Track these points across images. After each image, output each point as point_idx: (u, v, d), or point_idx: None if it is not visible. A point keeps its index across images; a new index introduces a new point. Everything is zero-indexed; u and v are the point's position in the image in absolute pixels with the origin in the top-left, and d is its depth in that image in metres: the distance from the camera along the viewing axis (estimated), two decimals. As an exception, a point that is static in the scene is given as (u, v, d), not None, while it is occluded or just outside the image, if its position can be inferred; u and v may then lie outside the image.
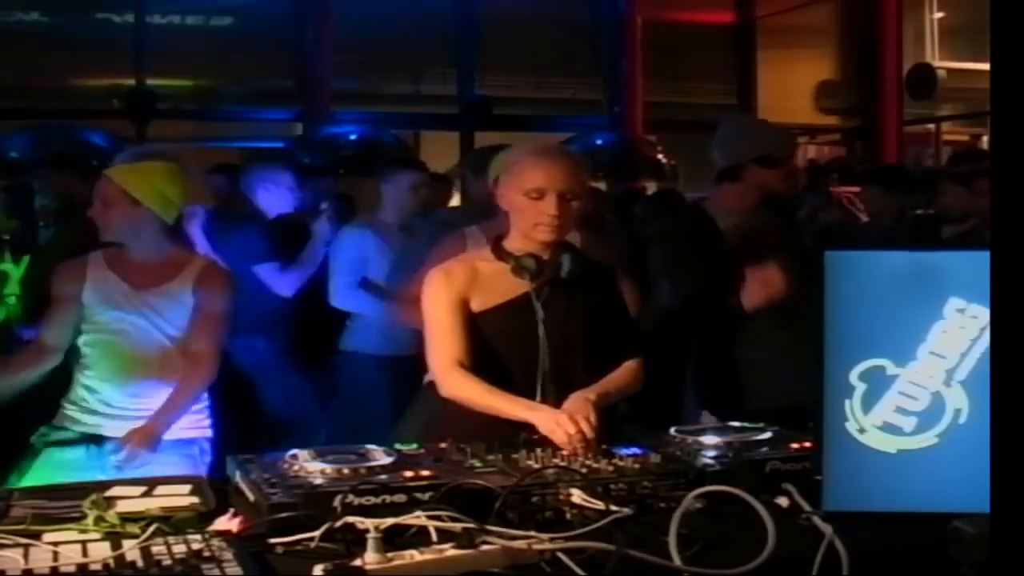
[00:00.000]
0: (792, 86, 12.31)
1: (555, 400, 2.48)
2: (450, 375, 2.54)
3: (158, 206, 3.05)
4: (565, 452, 2.22)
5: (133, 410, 3.05)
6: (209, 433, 3.17)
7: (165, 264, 3.12)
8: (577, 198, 2.58)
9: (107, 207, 3.06)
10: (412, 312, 3.21)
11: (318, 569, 1.61)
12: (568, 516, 1.90)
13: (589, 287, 2.66)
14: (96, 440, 3.03)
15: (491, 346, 2.58)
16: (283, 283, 4.85)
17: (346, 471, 1.95)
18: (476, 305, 2.60)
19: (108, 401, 3.07)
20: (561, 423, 2.28)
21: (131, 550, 1.69)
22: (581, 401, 2.41)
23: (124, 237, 3.10)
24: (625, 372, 2.65)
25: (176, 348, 3.09)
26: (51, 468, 2.95)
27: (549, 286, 2.59)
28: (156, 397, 3.05)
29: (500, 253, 2.63)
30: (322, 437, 4.60)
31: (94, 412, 3.07)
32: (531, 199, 2.55)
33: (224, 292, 3.15)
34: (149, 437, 2.91)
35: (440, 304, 2.59)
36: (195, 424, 3.16)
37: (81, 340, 3.11)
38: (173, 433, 3.03)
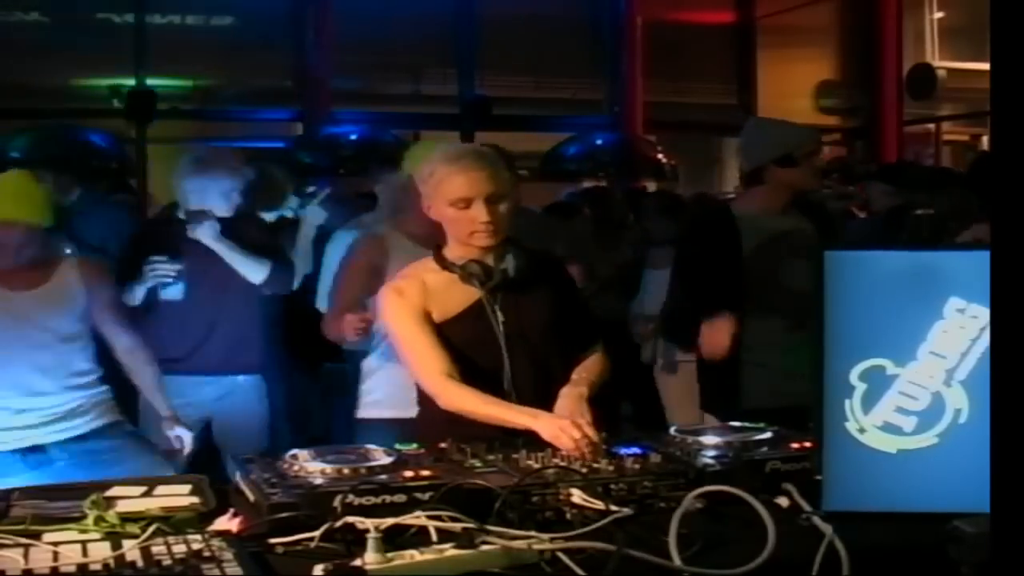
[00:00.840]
0: (792, 86, 12.30)
1: (524, 402, 2.43)
2: (446, 387, 2.47)
3: (44, 218, 3.07)
4: (573, 456, 2.18)
5: (37, 413, 3.06)
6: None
7: (39, 265, 3.13)
8: (504, 199, 2.52)
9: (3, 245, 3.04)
10: (330, 325, 3.30)
11: (318, 569, 1.61)
12: (568, 516, 1.90)
13: (540, 281, 2.61)
14: (28, 451, 3.05)
15: (453, 356, 2.51)
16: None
17: (346, 471, 1.95)
18: (434, 317, 2.54)
19: (7, 407, 3.07)
20: (565, 429, 2.21)
21: (131, 550, 1.69)
22: (575, 400, 2.40)
23: (18, 258, 3.08)
24: (596, 362, 2.64)
25: (65, 344, 3.11)
26: None
27: (501, 288, 2.53)
28: (59, 394, 3.08)
29: (444, 263, 2.56)
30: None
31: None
32: (459, 209, 2.50)
33: (111, 280, 3.34)
34: (174, 421, 3.28)
35: (407, 320, 2.52)
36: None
37: None
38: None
